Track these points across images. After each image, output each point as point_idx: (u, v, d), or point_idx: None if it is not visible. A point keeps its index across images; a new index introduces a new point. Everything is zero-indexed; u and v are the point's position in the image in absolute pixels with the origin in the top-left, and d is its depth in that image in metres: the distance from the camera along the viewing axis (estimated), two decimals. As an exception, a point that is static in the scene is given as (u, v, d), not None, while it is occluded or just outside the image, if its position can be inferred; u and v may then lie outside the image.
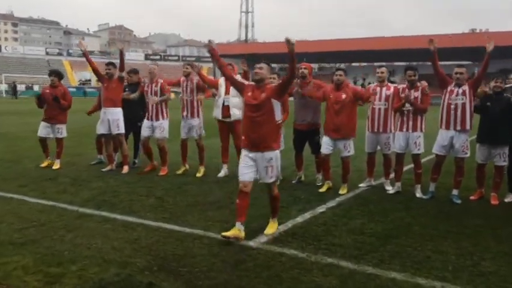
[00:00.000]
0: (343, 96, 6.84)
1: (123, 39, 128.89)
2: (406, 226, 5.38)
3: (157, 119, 8.17)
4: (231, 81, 5.52)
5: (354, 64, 69.80)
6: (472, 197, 6.69)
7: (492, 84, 6.41)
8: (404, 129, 6.81)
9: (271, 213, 5.19)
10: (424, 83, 6.67)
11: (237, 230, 4.80)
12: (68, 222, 5.30)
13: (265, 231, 5.01)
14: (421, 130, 6.77)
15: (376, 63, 69.75)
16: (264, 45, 70.80)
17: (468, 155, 6.51)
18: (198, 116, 8.12)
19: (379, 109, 7.00)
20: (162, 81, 8.21)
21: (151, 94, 8.15)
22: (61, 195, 6.54)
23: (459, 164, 6.57)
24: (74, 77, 71.04)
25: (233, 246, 4.63)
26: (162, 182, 7.55)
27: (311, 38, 78.80)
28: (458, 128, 6.38)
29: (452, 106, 6.37)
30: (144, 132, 8.29)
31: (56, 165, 8.57)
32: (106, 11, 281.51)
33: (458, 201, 6.46)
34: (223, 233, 4.77)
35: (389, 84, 7.09)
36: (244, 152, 5.01)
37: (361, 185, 7.42)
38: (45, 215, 5.59)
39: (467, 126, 6.39)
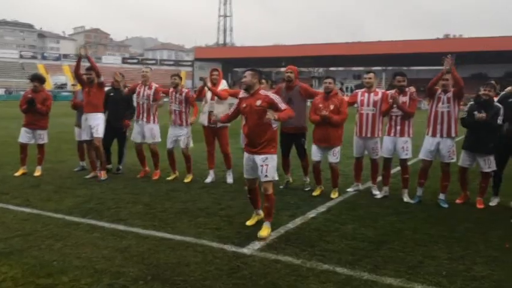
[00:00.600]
0: (332, 107, 6.88)
1: (100, 42, 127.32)
2: (396, 231, 5.41)
3: (148, 121, 8.25)
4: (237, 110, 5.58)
5: (331, 69, 70.34)
6: (457, 201, 6.78)
7: (481, 91, 6.51)
8: (392, 134, 6.88)
9: (265, 216, 5.21)
10: (413, 89, 6.78)
11: (257, 216, 5.56)
12: (54, 231, 5.15)
13: (258, 234, 5.01)
14: (409, 135, 6.84)
15: (354, 68, 70.56)
16: (242, 50, 70.99)
17: (454, 160, 6.60)
18: (186, 125, 8.08)
19: (367, 114, 7.03)
20: (157, 86, 8.35)
21: (143, 96, 8.22)
22: (45, 203, 6.36)
23: (445, 169, 6.66)
24: (49, 80, 69.63)
25: (227, 254, 4.58)
26: (148, 188, 7.43)
27: (289, 43, 79.12)
28: (445, 135, 6.48)
29: (439, 114, 6.46)
30: (136, 138, 8.37)
31: (38, 172, 8.34)
32: (81, 14, 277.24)
33: (446, 205, 6.54)
34: (248, 223, 5.47)
35: (377, 89, 7.15)
36: (245, 154, 5.37)
37: (348, 189, 7.45)
38: (31, 223, 5.42)
39: (453, 133, 6.49)
